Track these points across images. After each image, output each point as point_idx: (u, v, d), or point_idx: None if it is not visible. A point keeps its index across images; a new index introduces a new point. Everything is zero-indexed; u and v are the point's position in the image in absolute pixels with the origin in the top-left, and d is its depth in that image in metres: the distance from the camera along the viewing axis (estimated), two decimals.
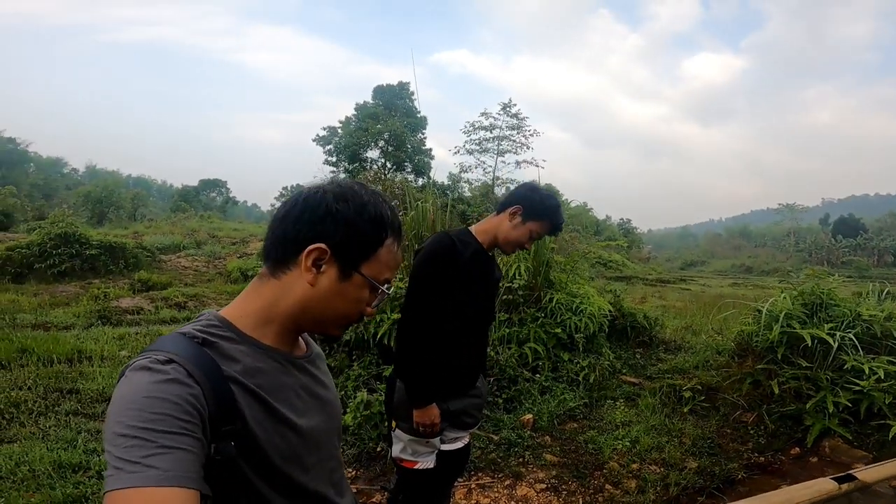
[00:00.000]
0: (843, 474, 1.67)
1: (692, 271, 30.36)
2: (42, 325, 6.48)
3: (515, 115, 21.96)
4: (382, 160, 23.73)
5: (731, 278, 23.64)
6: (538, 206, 1.84)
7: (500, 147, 22.39)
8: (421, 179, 23.00)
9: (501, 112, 21.93)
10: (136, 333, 6.03)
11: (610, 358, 4.71)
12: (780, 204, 58.09)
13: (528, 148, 22.43)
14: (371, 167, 23.56)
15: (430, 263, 1.73)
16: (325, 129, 24.79)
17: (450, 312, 1.74)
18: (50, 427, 3.37)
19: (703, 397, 3.78)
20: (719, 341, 4.74)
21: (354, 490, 2.81)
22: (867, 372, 3.06)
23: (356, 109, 25.30)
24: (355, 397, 3.53)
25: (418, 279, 1.74)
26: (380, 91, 26.02)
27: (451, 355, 1.77)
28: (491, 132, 22.26)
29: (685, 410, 3.72)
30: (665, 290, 17.09)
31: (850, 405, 3.12)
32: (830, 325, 3.43)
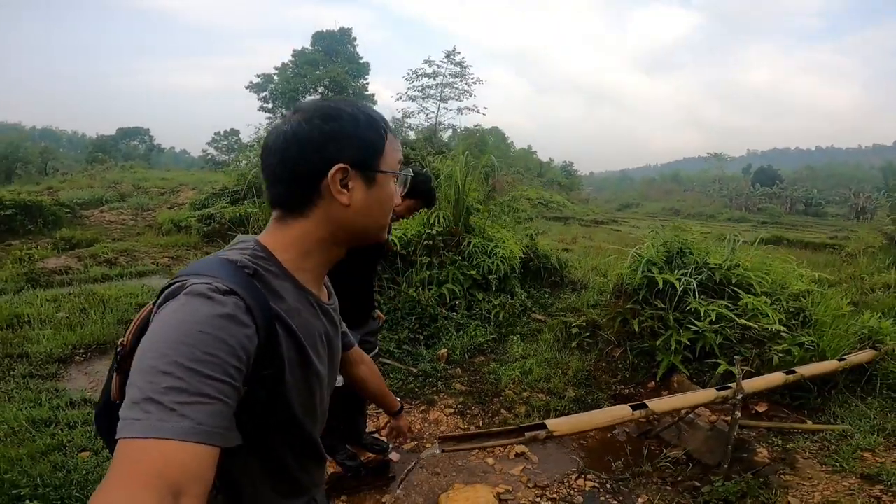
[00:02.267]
0: (638, 403, 2.31)
1: (627, 213, 32.17)
2: None
3: (459, 64, 22.01)
4: None
5: (660, 220, 25.38)
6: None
7: (443, 94, 22.36)
8: None
9: (445, 60, 21.83)
10: (70, 294, 5.97)
11: (521, 297, 5.32)
12: (709, 153, 61.74)
13: (470, 95, 22.60)
14: None
15: None
16: (259, 76, 23.59)
17: None
18: (12, 390, 3.54)
19: (587, 333, 4.45)
20: (603, 282, 5.40)
21: None
22: (703, 314, 3.76)
23: (294, 56, 24.02)
24: None
25: None
26: (320, 37, 24.68)
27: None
28: (434, 79, 22.13)
29: (573, 345, 4.39)
30: (597, 230, 18.25)
31: (689, 343, 3.73)
32: (682, 271, 4.08)
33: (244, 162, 18.78)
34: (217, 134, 50.66)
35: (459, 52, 22.18)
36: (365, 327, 2.53)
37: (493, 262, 5.11)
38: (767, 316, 3.88)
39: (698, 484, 2.63)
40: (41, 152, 29.65)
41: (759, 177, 46.32)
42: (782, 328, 3.79)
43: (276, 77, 23.68)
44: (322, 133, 0.71)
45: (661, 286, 3.95)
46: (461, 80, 22.32)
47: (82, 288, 6.42)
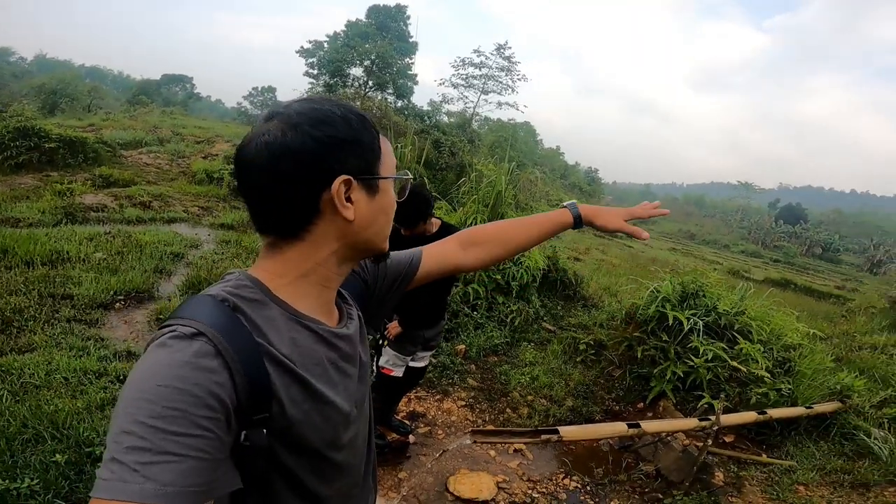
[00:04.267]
0: (633, 422, 2.79)
1: (642, 228, 32.29)
2: (9, 221, 6.34)
3: (508, 59, 21.93)
4: (365, 78, 23.21)
5: (674, 242, 25.67)
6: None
7: (486, 86, 22.44)
8: (400, 102, 22.84)
9: (495, 53, 21.85)
10: (107, 234, 6.13)
11: (536, 306, 5.76)
12: (739, 181, 60.99)
13: (513, 91, 22.64)
14: (353, 84, 23.03)
15: None
16: (310, 41, 23.81)
17: None
18: (58, 335, 3.53)
19: (593, 351, 4.91)
20: (617, 307, 5.85)
21: None
22: (701, 352, 4.21)
23: (347, 26, 24.24)
24: None
25: None
26: (375, 10, 24.86)
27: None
28: (480, 70, 22.21)
29: (578, 360, 4.87)
30: (610, 244, 18.54)
31: (682, 375, 4.18)
32: (692, 311, 4.52)
33: None
34: (254, 89, 51.31)
35: (510, 47, 22.18)
36: (434, 328, 2.88)
37: (517, 270, 5.56)
38: (757, 361, 4.33)
39: (661, 496, 3.12)
40: (90, 90, 30.27)
41: (785, 213, 45.95)
42: (766, 374, 4.24)
43: (325, 45, 23.93)
44: (317, 141, 0.64)
45: (670, 322, 4.40)
46: (506, 75, 22.38)
47: (118, 229, 6.62)
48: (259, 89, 51.87)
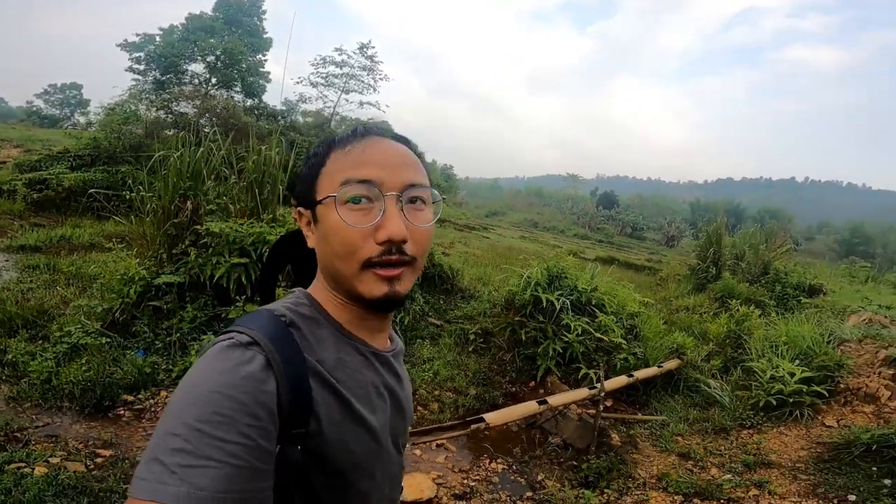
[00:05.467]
0: (541, 399, 3.13)
1: (494, 220, 35.10)
2: None
3: (371, 58, 21.55)
4: (207, 75, 20.72)
5: (522, 230, 28.44)
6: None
7: (347, 85, 21.82)
8: (250, 101, 21.00)
9: (357, 52, 21.31)
10: None
11: (420, 302, 5.94)
12: (567, 173, 70.18)
13: (375, 90, 22.39)
14: (191, 81, 20.38)
15: None
16: (138, 34, 20.25)
17: None
18: None
19: (482, 339, 5.28)
20: (496, 296, 6.36)
21: None
22: (573, 327, 4.85)
23: (188, 19, 21.21)
24: (200, 339, 3.97)
25: None
26: (224, 4, 22.11)
27: None
28: (341, 68, 21.48)
29: (470, 349, 5.18)
30: (471, 236, 19.80)
31: (561, 351, 4.77)
32: (559, 291, 5.16)
33: (95, 125, 16.14)
34: (51, 86, 42.32)
35: (373, 47, 21.81)
36: None
37: None
38: (614, 331, 5.12)
39: (576, 463, 3.56)
40: None
41: (603, 200, 54.12)
42: (622, 341, 5.05)
43: (158, 39, 20.69)
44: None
45: (543, 303, 4.94)
46: (368, 74, 21.99)
47: None
48: (59, 86, 42.97)
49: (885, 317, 6.18)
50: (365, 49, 21.32)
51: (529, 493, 3.19)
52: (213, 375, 0.54)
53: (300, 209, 0.70)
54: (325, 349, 0.65)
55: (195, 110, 15.36)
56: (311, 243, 0.69)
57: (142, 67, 20.25)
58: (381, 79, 22.01)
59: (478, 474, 3.35)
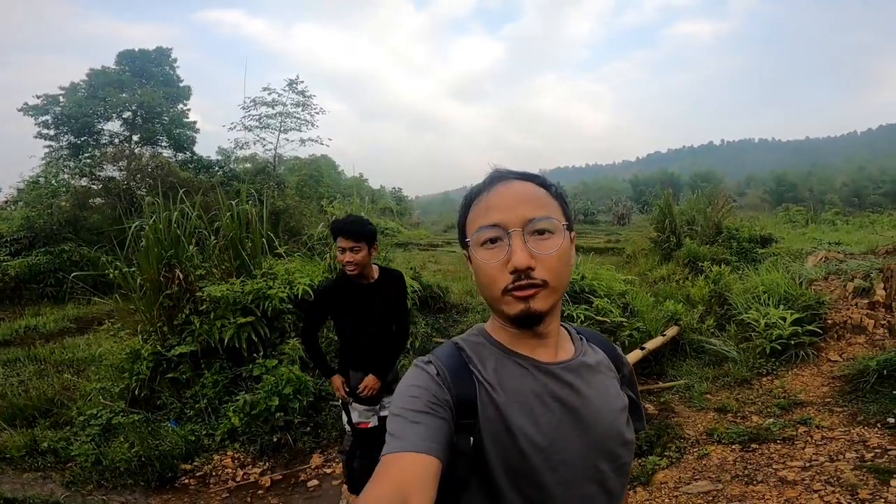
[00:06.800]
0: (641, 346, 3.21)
1: (453, 233, 35.30)
2: None
3: (302, 93, 21.03)
4: (127, 133, 19.81)
5: None
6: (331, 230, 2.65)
7: (284, 124, 21.26)
8: (181, 154, 20.19)
9: (287, 88, 20.76)
10: None
11: (421, 324, 6.00)
12: None
13: (313, 126, 21.90)
14: (111, 142, 19.42)
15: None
16: (39, 97, 18.98)
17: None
18: None
19: None
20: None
21: (278, 476, 3.40)
22: (575, 317, 5.07)
23: (88, 76, 20.10)
24: (235, 400, 3.92)
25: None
26: (128, 56, 21.07)
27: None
28: (273, 108, 20.85)
29: None
30: (438, 254, 19.88)
31: None
32: None
33: (20, 203, 15.04)
34: None
35: (303, 81, 21.26)
36: (394, 370, 2.83)
37: None
38: (612, 311, 5.38)
39: None
40: None
41: None
42: (623, 319, 5.32)
43: (62, 99, 19.49)
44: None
45: None
46: (303, 110, 21.50)
47: None
48: None
49: (840, 252, 6.81)
50: (294, 85, 20.94)
51: None
52: (407, 380, 0.78)
53: (464, 251, 0.83)
54: (486, 363, 0.80)
55: (123, 172, 14.47)
56: (473, 279, 0.83)
57: (52, 132, 19.12)
58: (316, 112, 21.73)
59: None
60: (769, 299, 5.15)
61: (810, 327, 4.58)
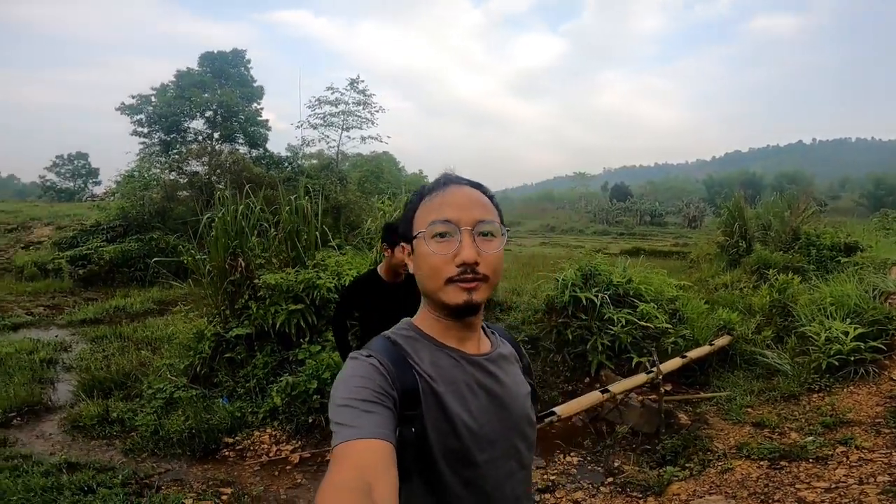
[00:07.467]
0: (603, 388, 3.26)
1: (510, 231, 34.80)
2: None
3: (363, 92, 21.94)
4: (209, 131, 21.60)
5: (540, 237, 28.45)
6: (391, 236, 2.49)
7: (346, 122, 22.25)
8: (255, 151, 21.70)
9: (349, 88, 21.74)
10: None
11: None
12: (574, 172, 70.10)
13: (373, 124, 22.70)
14: (195, 139, 21.25)
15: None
16: (134, 96, 21.26)
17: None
18: None
19: (529, 345, 5.42)
20: (536, 303, 6.51)
21: (307, 454, 3.69)
22: (616, 320, 4.97)
23: (177, 77, 22.21)
24: (279, 381, 4.24)
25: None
26: (209, 58, 23.14)
27: None
28: (336, 107, 21.90)
29: None
30: None
31: (609, 344, 4.89)
32: (596, 288, 5.29)
33: (117, 195, 16.87)
34: (59, 157, 43.78)
35: (363, 80, 22.17)
36: None
37: None
38: (657, 317, 5.21)
39: (649, 446, 3.64)
40: None
41: (615, 193, 53.70)
42: (668, 326, 5.14)
43: (153, 99, 21.65)
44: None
45: (583, 302, 5.08)
46: (364, 109, 22.38)
47: None
48: (66, 157, 44.53)
49: None
50: (355, 84, 21.76)
51: (610, 479, 3.30)
52: (348, 371, 0.79)
53: (403, 243, 0.91)
54: (421, 355, 0.85)
55: (205, 168, 15.80)
56: (410, 269, 0.90)
57: (145, 130, 21.14)
58: (376, 111, 22.42)
59: (555, 468, 3.48)
60: (836, 312, 4.76)
61: (874, 343, 4.19)
